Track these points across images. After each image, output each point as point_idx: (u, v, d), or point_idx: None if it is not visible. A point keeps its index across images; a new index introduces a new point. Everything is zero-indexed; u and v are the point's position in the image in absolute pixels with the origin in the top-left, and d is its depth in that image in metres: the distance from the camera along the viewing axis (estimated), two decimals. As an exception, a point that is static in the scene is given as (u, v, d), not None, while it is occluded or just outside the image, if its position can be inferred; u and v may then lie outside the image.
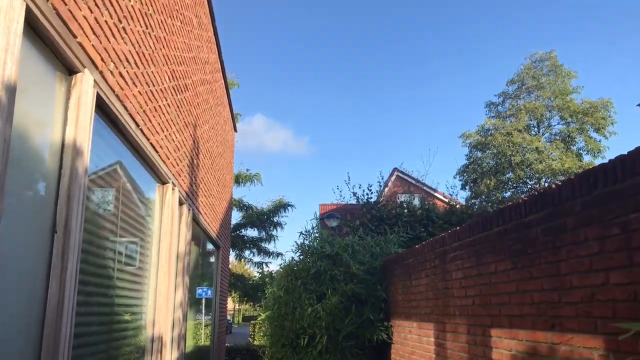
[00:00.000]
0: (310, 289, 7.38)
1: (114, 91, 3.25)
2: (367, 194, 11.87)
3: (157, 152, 4.48)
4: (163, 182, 5.05)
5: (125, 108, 3.53)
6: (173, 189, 5.21)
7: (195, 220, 7.06)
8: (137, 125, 3.86)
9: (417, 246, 6.14)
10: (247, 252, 19.99)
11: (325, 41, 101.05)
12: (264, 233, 19.92)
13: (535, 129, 32.02)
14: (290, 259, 8.04)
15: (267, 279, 20.58)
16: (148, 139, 4.17)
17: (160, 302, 4.93)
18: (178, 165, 5.51)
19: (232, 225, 14.90)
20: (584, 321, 2.82)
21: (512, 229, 3.69)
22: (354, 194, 11.84)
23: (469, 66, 73.49)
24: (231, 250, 15.53)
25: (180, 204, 5.91)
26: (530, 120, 31.57)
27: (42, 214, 2.52)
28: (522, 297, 3.52)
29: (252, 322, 31.26)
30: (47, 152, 2.57)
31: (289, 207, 19.89)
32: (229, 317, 32.70)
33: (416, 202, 14.47)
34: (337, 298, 6.98)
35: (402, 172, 22.83)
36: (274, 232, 20.01)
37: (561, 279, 3.05)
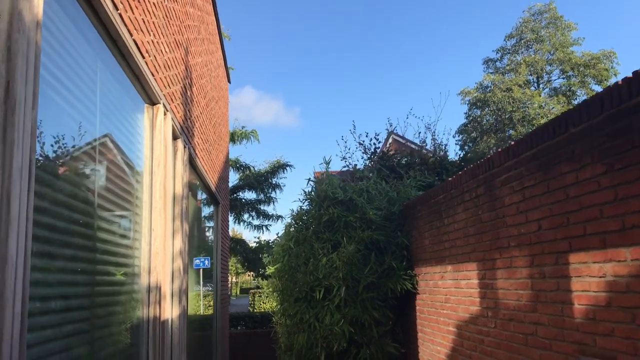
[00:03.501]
0: (324, 237, 6.61)
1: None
2: (375, 144, 10.99)
3: (142, 56, 3.60)
4: (153, 103, 4.18)
5: (97, -28, 2.64)
6: (165, 114, 4.34)
7: (192, 164, 6.22)
8: (116, 7, 2.98)
9: (449, 179, 5.35)
10: (245, 216, 19.15)
11: (315, 5, 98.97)
12: (262, 195, 19.07)
13: (535, 85, 31.09)
14: (299, 207, 7.24)
15: (264, 248, 19.86)
16: (130, 34, 3.28)
17: (157, 245, 4.12)
18: (170, 87, 4.63)
19: (229, 187, 14.07)
20: None
21: (604, 122, 2.88)
22: (361, 143, 10.93)
23: (466, 23, 72.11)
24: (229, 213, 14.73)
25: (175, 138, 5.06)
26: (530, 75, 30.60)
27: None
28: (624, 206, 2.73)
29: (251, 291, 30.80)
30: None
31: (288, 168, 18.98)
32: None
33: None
34: (354, 246, 6.21)
35: (398, 135, 21.32)
36: (273, 194, 19.14)
37: (699, 168, 2.25)
